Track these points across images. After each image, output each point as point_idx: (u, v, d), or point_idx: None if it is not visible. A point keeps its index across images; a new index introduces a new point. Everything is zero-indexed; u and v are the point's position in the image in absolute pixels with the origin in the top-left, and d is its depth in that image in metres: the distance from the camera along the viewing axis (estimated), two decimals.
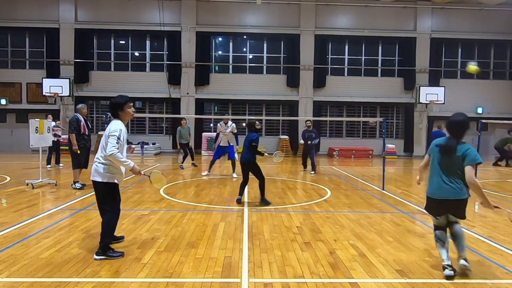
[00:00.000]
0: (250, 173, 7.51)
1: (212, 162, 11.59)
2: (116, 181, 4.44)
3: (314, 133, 12.97)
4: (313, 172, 12.62)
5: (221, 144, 11.44)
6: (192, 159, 13.93)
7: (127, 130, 4.64)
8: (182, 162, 13.57)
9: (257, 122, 7.83)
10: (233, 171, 11.48)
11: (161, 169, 13.02)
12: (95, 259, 4.29)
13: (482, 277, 4.01)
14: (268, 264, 4.26)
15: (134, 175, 4.61)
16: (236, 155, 11.68)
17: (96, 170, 4.41)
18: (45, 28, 19.64)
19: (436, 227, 4.23)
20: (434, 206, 4.16)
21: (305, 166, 13.20)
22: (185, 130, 13.35)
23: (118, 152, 4.22)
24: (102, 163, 4.37)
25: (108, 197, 4.45)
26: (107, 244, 4.41)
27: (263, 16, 20.17)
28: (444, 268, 3.96)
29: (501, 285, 3.85)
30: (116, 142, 4.23)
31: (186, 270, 4.04)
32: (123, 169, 4.50)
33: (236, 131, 11.56)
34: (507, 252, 4.81)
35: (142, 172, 4.56)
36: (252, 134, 7.54)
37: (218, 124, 11.57)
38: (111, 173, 4.39)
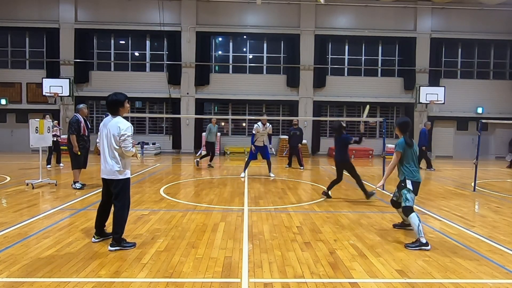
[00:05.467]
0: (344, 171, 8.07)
1: (247, 163, 11.64)
2: (129, 175, 4.74)
3: (300, 130, 14.12)
4: (302, 168, 13.66)
5: (256, 144, 11.47)
6: (211, 160, 13.81)
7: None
8: (210, 161, 13.68)
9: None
10: (270, 171, 11.61)
11: (160, 169, 13.02)
12: (110, 251, 4.51)
13: (482, 277, 4.01)
14: (268, 264, 4.26)
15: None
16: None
17: (118, 169, 4.58)
18: (45, 28, 19.65)
19: (412, 209, 5.13)
20: (417, 188, 5.25)
21: (290, 163, 14.32)
22: (215, 128, 13.44)
23: (132, 148, 4.58)
24: (120, 161, 4.59)
25: (128, 190, 4.72)
26: (121, 235, 4.64)
27: (263, 16, 20.17)
28: (427, 243, 4.83)
29: (501, 285, 3.85)
30: (131, 141, 4.55)
31: (186, 270, 4.03)
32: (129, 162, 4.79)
33: (272, 131, 11.74)
34: (507, 252, 4.81)
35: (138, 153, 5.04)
36: (345, 136, 8.19)
37: (256, 125, 11.50)
38: (129, 168, 4.71)
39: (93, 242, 4.89)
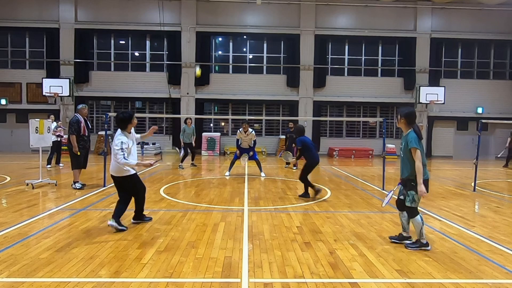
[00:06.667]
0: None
1: (232, 163, 11.80)
2: (133, 171, 5.65)
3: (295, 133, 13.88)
4: (295, 168, 13.64)
5: (242, 147, 11.67)
6: (192, 159, 14.00)
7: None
8: (182, 162, 13.60)
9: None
10: (261, 171, 11.69)
11: (161, 169, 13.02)
12: (109, 225, 5.37)
13: (482, 277, 4.01)
14: (268, 264, 4.26)
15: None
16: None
17: (118, 168, 5.48)
18: (45, 28, 19.64)
19: (417, 210, 4.87)
20: (427, 185, 4.77)
21: (288, 162, 14.23)
22: (190, 129, 13.42)
23: (125, 159, 5.30)
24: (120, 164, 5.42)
25: (138, 180, 5.77)
26: (120, 216, 5.50)
27: (263, 16, 20.17)
28: (427, 243, 4.81)
29: (501, 285, 3.85)
30: (122, 153, 5.27)
31: (186, 270, 4.04)
32: (134, 160, 5.54)
33: (255, 138, 11.73)
34: (507, 252, 4.81)
35: (150, 162, 5.50)
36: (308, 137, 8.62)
37: (238, 131, 11.67)
38: (128, 167, 5.54)
39: (108, 224, 5.50)
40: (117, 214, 5.46)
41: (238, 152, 11.63)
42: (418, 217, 4.81)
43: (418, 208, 4.89)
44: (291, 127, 14.42)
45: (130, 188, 5.67)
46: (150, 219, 6.02)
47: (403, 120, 4.92)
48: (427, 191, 4.80)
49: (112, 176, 5.60)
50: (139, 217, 5.90)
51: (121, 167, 5.42)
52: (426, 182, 4.74)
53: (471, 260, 4.49)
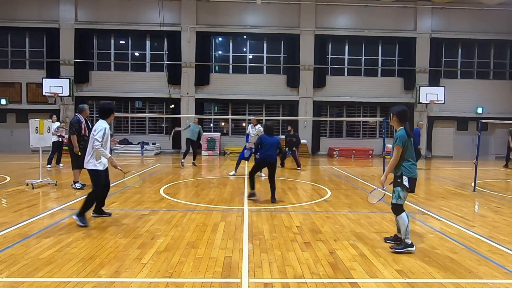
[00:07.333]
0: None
1: (238, 162, 11.69)
2: (101, 168, 5.84)
3: (296, 137, 14.24)
4: (299, 168, 13.69)
5: (249, 146, 11.42)
6: (194, 159, 14.02)
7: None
8: (183, 158, 13.65)
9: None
10: (261, 171, 11.51)
11: (160, 169, 13.02)
12: (73, 218, 5.65)
13: (482, 277, 4.01)
14: (268, 264, 4.26)
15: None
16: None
17: (87, 161, 5.84)
18: (45, 28, 19.64)
19: (403, 208, 4.79)
20: (414, 184, 4.77)
21: (282, 163, 14.30)
22: (196, 128, 13.50)
23: (102, 147, 5.63)
24: (91, 155, 5.78)
25: (97, 180, 5.85)
26: (84, 212, 5.68)
27: (263, 16, 20.17)
28: (412, 244, 4.68)
29: (501, 285, 3.85)
30: (101, 140, 5.59)
31: (186, 270, 4.04)
32: (104, 160, 5.83)
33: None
34: (507, 252, 4.81)
35: (118, 167, 5.81)
36: (276, 137, 8.02)
37: (249, 126, 11.79)
38: (96, 161, 5.79)
39: (91, 216, 6.08)
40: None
41: (247, 145, 11.33)
42: (403, 214, 4.71)
43: (416, 207, 4.91)
44: (290, 131, 14.39)
45: (92, 182, 5.91)
46: (110, 215, 6.26)
47: (395, 118, 4.89)
48: (414, 191, 4.81)
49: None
50: (100, 211, 6.18)
51: (90, 160, 5.73)
52: (413, 181, 4.72)
53: (471, 260, 4.50)
